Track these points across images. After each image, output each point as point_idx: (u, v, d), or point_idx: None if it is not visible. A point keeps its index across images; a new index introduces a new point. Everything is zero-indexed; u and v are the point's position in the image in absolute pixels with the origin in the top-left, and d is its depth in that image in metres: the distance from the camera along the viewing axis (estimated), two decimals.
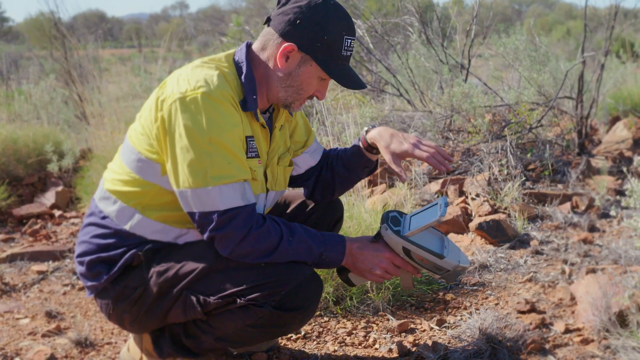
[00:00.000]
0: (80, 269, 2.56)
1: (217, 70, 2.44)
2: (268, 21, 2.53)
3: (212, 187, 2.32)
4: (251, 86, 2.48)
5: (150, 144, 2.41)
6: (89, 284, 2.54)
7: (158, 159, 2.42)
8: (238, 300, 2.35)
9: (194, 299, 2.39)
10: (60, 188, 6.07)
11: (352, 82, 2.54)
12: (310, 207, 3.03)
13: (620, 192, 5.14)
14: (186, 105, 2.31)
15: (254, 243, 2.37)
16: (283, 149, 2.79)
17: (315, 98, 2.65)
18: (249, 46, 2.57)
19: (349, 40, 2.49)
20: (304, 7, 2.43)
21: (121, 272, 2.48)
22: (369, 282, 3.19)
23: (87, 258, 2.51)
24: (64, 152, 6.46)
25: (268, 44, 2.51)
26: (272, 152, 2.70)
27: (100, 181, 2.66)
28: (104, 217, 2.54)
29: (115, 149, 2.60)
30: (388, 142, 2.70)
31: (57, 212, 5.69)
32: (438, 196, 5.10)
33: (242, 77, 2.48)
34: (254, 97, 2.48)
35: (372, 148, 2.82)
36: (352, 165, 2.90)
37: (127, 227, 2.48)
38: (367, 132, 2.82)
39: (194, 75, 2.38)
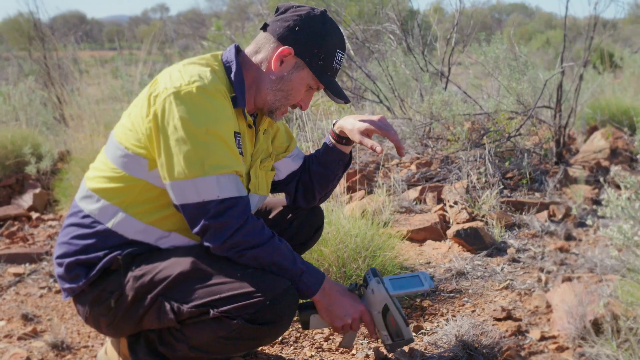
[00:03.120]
0: (58, 270, 2.55)
1: (209, 67, 2.49)
2: (265, 27, 2.60)
3: (210, 176, 2.34)
4: (241, 85, 2.53)
5: (139, 139, 2.42)
6: (67, 286, 2.53)
7: (145, 154, 2.42)
8: (211, 311, 2.34)
9: (167, 306, 2.39)
10: (38, 190, 6.04)
11: (340, 93, 2.65)
12: (290, 214, 3.03)
13: (597, 202, 5.18)
14: (181, 98, 2.33)
15: (247, 234, 2.39)
16: (265, 153, 2.81)
17: (298, 108, 2.72)
18: (237, 48, 2.63)
19: (340, 55, 2.61)
20: (304, 16, 2.54)
21: (99, 275, 2.47)
22: (325, 329, 3.19)
23: (67, 260, 2.49)
24: (42, 155, 6.43)
25: (263, 48, 2.58)
26: (256, 153, 2.72)
27: (81, 182, 2.64)
28: (85, 216, 2.52)
29: (95, 152, 2.60)
30: (353, 123, 2.79)
31: (34, 215, 5.66)
32: (417, 203, 5.13)
33: (232, 75, 2.52)
34: (244, 95, 2.53)
35: (342, 138, 2.88)
36: (326, 161, 2.94)
37: (109, 225, 2.47)
38: (334, 124, 2.90)
39: (187, 71, 2.42)
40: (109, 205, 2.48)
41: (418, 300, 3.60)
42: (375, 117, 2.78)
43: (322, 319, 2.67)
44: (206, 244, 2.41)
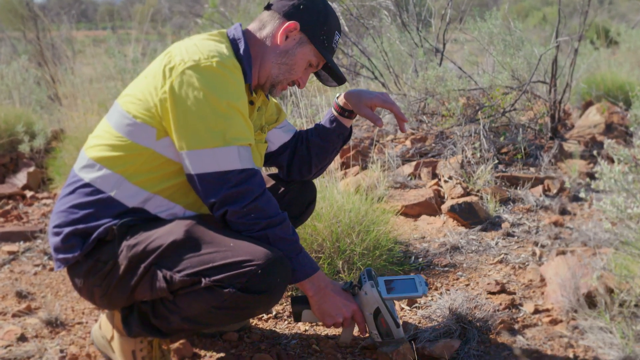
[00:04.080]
0: (54, 240, 2.53)
1: (223, 43, 2.54)
2: (269, 6, 2.69)
3: (231, 147, 2.40)
4: (249, 61, 2.58)
5: (148, 108, 2.43)
6: (61, 256, 2.51)
7: (155, 123, 2.43)
8: (203, 280, 2.33)
9: (160, 275, 2.38)
10: (32, 169, 6.03)
11: (338, 72, 2.77)
12: (283, 188, 3.04)
13: (592, 176, 5.17)
14: (201, 72, 2.38)
15: (265, 203, 2.46)
16: (257, 127, 2.83)
17: (296, 86, 2.80)
18: (241, 26, 2.69)
19: (337, 36, 2.74)
20: None
21: (94, 245, 2.46)
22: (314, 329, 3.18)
23: (65, 229, 2.48)
24: (35, 133, 6.41)
25: (268, 24, 2.66)
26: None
27: (79, 153, 2.63)
28: (84, 185, 2.50)
29: (89, 130, 2.59)
30: (359, 95, 2.87)
31: (28, 193, 5.65)
32: (411, 179, 5.12)
33: (241, 51, 2.57)
34: (251, 71, 2.59)
35: (345, 111, 2.93)
36: (326, 134, 2.98)
37: (111, 193, 2.47)
38: (338, 97, 2.95)
39: (205, 46, 2.46)
40: (111, 174, 2.47)
41: (412, 274, 3.60)
42: (378, 92, 2.86)
43: (314, 314, 2.71)
44: (224, 208, 2.44)
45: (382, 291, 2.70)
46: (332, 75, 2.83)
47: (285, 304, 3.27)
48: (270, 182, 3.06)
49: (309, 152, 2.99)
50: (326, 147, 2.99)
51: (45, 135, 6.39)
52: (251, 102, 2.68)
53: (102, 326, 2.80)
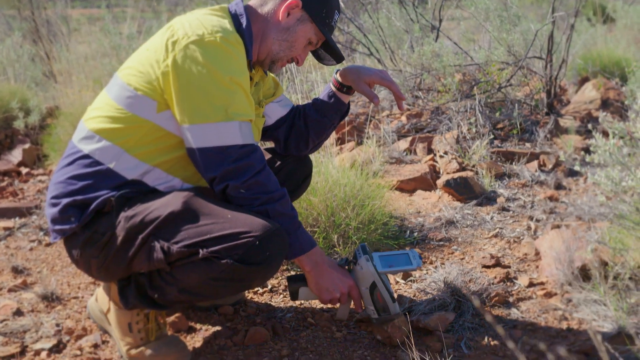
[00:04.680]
0: (51, 211, 2.53)
1: (226, 19, 2.55)
2: None
3: (233, 122, 2.41)
4: (250, 37, 2.59)
5: (150, 81, 2.43)
6: (58, 227, 2.51)
7: (155, 96, 2.43)
8: (201, 251, 2.34)
9: (157, 246, 2.38)
10: (27, 145, 6.01)
11: (336, 49, 2.77)
12: (279, 162, 3.05)
13: (587, 151, 5.17)
14: (205, 46, 2.38)
15: (266, 178, 2.49)
16: (255, 102, 2.82)
17: (294, 63, 2.78)
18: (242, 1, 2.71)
19: (337, 15, 2.73)
20: None
21: (92, 217, 2.46)
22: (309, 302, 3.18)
23: (64, 200, 2.47)
24: (30, 109, 6.39)
25: (269, 0, 2.66)
26: None
27: (78, 125, 2.62)
28: (83, 157, 2.50)
29: (84, 107, 2.58)
30: (358, 71, 2.87)
31: (24, 170, 5.63)
32: (407, 154, 5.12)
33: (243, 27, 2.58)
34: (252, 46, 2.61)
35: (344, 86, 2.93)
36: (324, 109, 2.99)
37: (111, 165, 2.46)
38: (337, 73, 2.95)
39: (208, 21, 2.47)
40: (111, 146, 2.47)
41: (407, 249, 3.61)
42: (376, 69, 2.86)
43: (311, 291, 2.71)
44: (224, 183, 2.45)
45: (377, 265, 2.71)
46: (330, 53, 2.82)
47: (280, 277, 3.28)
48: (266, 156, 3.06)
49: (307, 127, 2.99)
50: (324, 123, 2.99)
51: (40, 112, 6.36)
52: (250, 78, 2.68)
53: (99, 299, 2.80)
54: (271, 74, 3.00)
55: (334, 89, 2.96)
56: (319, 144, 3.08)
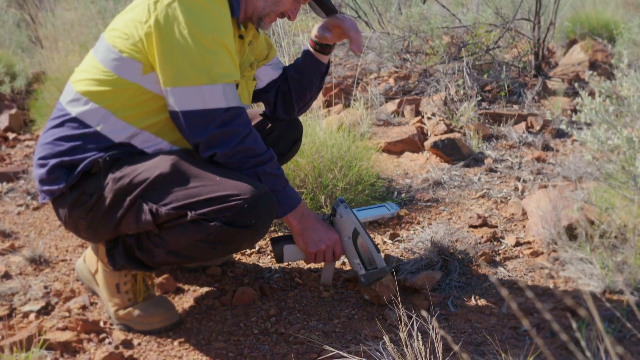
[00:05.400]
0: (39, 172, 2.51)
1: None
2: None
3: (217, 85, 2.37)
4: None
5: (134, 43, 2.40)
6: (46, 188, 2.50)
7: (141, 58, 2.40)
8: (189, 213, 2.33)
9: (146, 207, 2.38)
10: (13, 111, 5.97)
11: (329, 3, 2.75)
12: (269, 125, 3.03)
13: (575, 112, 5.17)
14: (186, 5, 2.35)
15: (253, 142, 2.46)
16: (247, 64, 2.80)
17: (286, 18, 2.73)
18: None
19: None
20: None
21: (80, 178, 2.45)
22: (296, 263, 3.17)
23: (51, 161, 2.46)
24: (16, 74, 6.35)
25: None
26: (243, 65, 2.73)
27: (66, 86, 2.60)
28: (71, 119, 2.48)
29: (70, 72, 2.55)
30: (326, 21, 2.84)
31: (11, 135, 5.60)
32: (394, 116, 5.11)
33: None
34: (239, 4, 2.57)
35: (317, 44, 2.90)
36: (304, 68, 2.96)
37: (98, 128, 2.44)
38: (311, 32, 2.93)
39: None
40: (98, 108, 2.45)
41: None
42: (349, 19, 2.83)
43: (296, 246, 2.71)
44: (211, 150, 2.43)
45: (357, 213, 2.74)
46: (320, 5, 2.76)
47: (268, 238, 3.28)
48: (257, 119, 3.04)
49: (289, 88, 2.97)
50: (304, 83, 2.96)
51: (26, 76, 6.33)
52: (241, 37, 2.65)
53: (87, 259, 2.80)
54: (264, 35, 2.96)
55: (309, 47, 2.93)
56: (304, 106, 3.05)
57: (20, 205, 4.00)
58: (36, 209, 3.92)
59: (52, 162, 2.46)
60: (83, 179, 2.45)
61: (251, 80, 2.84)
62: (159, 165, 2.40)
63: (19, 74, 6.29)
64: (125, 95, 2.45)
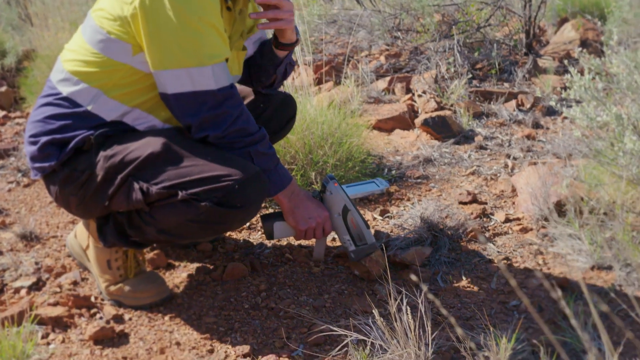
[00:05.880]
0: (30, 149, 2.51)
1: None
2: None
3: (206, 67, 2.35)
4: None
5: (122, 24, 2.36)
6: (37, 165, 2.50)
7: (129, 39, 2.37)
8: (180, 193, 2.33)
9: (137, 186, 2.38)
10: (4, 89, 5.94)
11: None
12: (263, 103, 3.00)
13: (566, 89, 5.17)
14: None
15: (245, 122, 2.45)
16: (238, 34, 2.76)
17: None
18: None
19: None
20: None
21: (71, 155, 2.45)
22: (286, 239, 3.17)
23: (42, 138, 2.45)
24: (6, 51, 6.32)
25: None
26: (234, 35, 2.68)
27: (56, 62, 2.59)
28: (62, 98, 2.47)
29: (60, 50, 2.53)
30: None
31: (1, 113, 5.58)
32: (385, 94, 5.11)
33: None
34: None
35: (274, 38, 2.82)
36: (261, 55, 2.91)
37: (89, 107, 2.44)
38: None
39: None
40: (89, 88, 2.43)
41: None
42: None
43: (287, 223, 2.71)
44: (204, 133, 2.43)
45: (347, 189, 2.76)
46: None
47: (259, 215, 3.29)
48: (250, 97, 3.02)
49: (249, 66, 2.93)
50: (259, 67, 2.92)
51: (16, 54, 6.30)
52: (228, 9, 2.57)
53: (78, 235, 2.81)
54: (254, 4, 2.91)
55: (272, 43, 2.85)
56: (264, 88, 3.01)
57: (11, 182, 3.99)
58: (27, 186, 3.91)
59: (44, 139, 2.46)
60: (74, 156, 2.45)
61: (241, 51, 2.77)
62: (151, 144, 2.39)
63: (9, 51, 6.26)
64: (117, 75, 2.43)
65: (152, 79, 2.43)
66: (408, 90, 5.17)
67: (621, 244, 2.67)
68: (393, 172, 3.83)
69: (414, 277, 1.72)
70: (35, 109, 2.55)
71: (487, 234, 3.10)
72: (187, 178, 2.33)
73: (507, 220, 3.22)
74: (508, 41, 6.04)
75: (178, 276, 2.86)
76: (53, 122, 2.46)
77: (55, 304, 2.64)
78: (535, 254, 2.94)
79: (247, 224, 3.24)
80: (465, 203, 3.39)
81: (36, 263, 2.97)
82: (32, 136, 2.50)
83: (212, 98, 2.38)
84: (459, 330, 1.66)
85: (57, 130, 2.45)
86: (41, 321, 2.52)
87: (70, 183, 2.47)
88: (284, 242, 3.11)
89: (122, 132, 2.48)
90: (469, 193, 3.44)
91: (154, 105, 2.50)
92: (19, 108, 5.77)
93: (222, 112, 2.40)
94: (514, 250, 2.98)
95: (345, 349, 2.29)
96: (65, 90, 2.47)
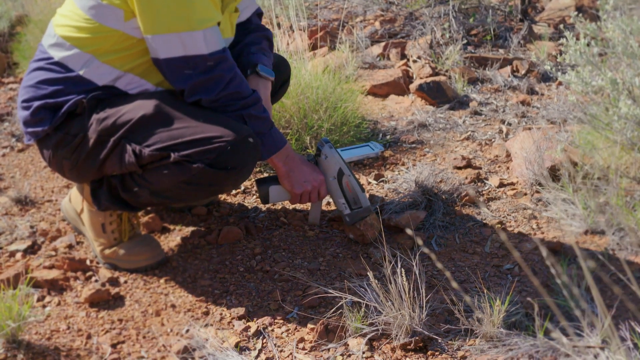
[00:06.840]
0: (23, 114, 2.51)
1: None
2: None
3: (197, 32, 2.34)
4: None
5: None
6: (31, 130, 2.50)
7: (120, 4, 2.35)
8: (172, 155, 2.33)
9: (129, 148, 2.38)
10: None
11: None
12: None
13: (561, 54, 5.16)
14: None
15: (238, 86, 2.45)
16: None
17: None
18: None
19: None
20: None
21: (64, 119, 2.45)
22: (281, 203, 3.16)
23: (35, 103, 2.45)
24: None
25: None
26: None
27: (48, 27, 2.57)
28: (54, 63, 2.46)
29: (53, 14, 2.51)
30: None
31: None
32: (380, 59, 5.10)
33: None
34: None
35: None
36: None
37: (81, 72, 2.43)
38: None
39: None
40: (82, 53, 2.43)
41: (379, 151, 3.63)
42: None
43: (282, 187, 2.72)
44: (197, 96, 2.42)
45: (342, 153, 2.76)
46: None
47: (254, 179, 3.29)
48: None
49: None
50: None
51: (9, 19, 6.25)
52: None
53: (72, 199, 2.81)
54: None
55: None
56: None
57: (5, 147, 3.99)
58: (21, 150, 3.91)
59: (36, 104, 2.45)
60: (67, 120, 2.45)
61: (234, 12, 2.74)
62: (143, 106, 2.39)
63: (2, 16, 6.21)
64: (110, 41, 2.42)
65: (144, 44, 2.42)
66: (403, 55, 5.15)
67: (614, 208, 2.68)
68: (388, 137, 3.83)
69: (409, 231, 1.73)
70: (28, 74, 2.54)
71: (481, 199, 3.11)
72: (179, 140, 2.33)
73: (502, 184, 3.22)
74: (503, 7, 6.01)
75: (173, 239, 2.87)
76: (45, 87, 2.46)
77: (51, 267, 2.65)
78: (529, 219, 2.95)
79: (242, 187, 3.24)
80: (459, 168, 3.40)
81: (31, 227, 2.97)
82: (24, 101, 2.50)
83: (203, 62, 2.37)
84: (454, 284, 1.67)
85: (50, 95, 2.45)
86: (37, 284, 2.53)
87: (63, 147, 2.47)
88: (278, 206, 3.11)
89: (114, 95, 2.48)
90: (463, 158, 3.44)
91: (147, 70, 2.49)
92: (12, 73, 5.74)
93: (214, 76, 2.40)
94: (508, 215, 2.99)
95: (340, 311, 2.31)
96: (58, 55, 2.46)
